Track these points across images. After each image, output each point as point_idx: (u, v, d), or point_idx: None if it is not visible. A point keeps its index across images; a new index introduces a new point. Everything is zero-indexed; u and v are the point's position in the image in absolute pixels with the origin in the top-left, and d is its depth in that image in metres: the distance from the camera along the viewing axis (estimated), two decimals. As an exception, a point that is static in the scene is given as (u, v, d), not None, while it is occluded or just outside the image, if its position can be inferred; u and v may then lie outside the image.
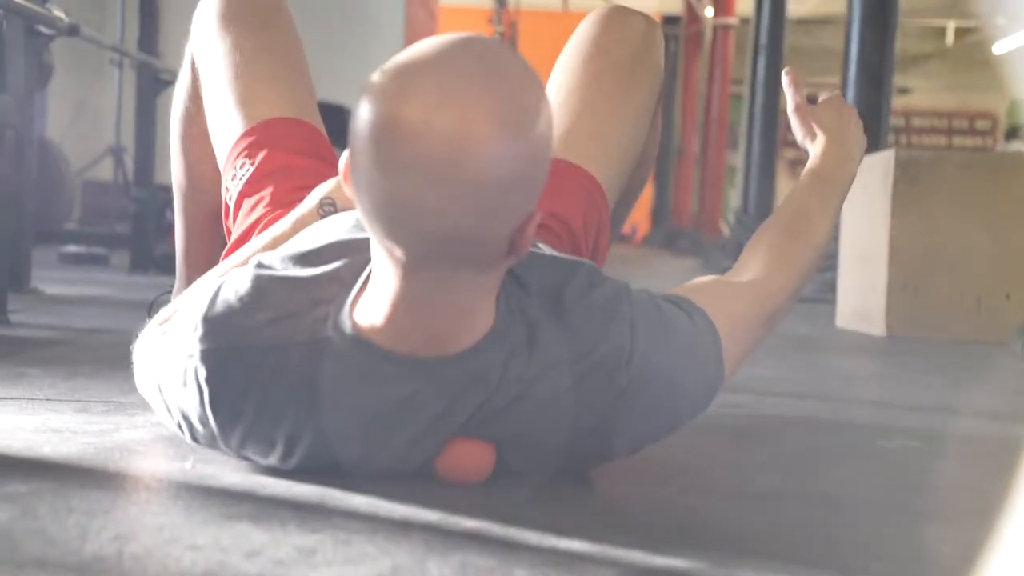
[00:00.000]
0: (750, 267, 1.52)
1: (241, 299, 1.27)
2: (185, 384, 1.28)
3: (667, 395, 1.34)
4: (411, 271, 1.19)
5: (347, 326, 1.25)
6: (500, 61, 1.15)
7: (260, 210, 1.72)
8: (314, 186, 1.61)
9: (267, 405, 1.26)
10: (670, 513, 1.29)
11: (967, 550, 1.19)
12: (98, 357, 2.23)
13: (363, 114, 1.14)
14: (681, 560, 1.08)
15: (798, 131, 1.69)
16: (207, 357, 1.26)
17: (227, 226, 1.82)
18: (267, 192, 1.74)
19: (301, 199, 1.60)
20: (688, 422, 1.38)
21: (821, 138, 1.65)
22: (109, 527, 1.08)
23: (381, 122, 1.12)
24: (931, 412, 2.12)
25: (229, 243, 1.74)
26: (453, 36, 1.17)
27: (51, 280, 3.94)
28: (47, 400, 1.75)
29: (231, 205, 1.79)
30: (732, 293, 1.46)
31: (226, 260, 1.54)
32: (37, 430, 1.51)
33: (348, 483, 1.26)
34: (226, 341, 1.26)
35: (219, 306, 1.28)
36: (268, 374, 1.25)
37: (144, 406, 1.51)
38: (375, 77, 1.15)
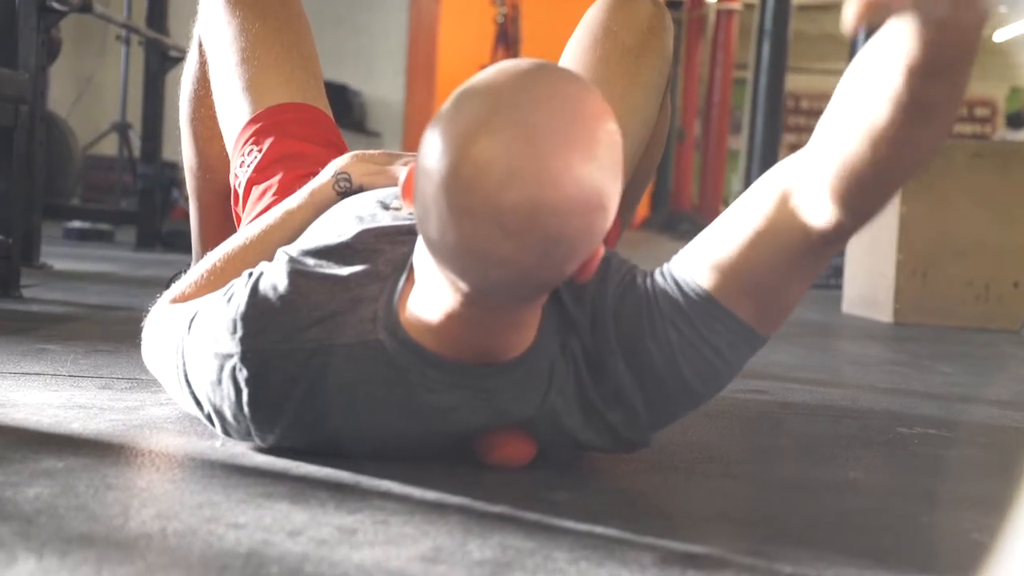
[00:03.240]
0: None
1: (282, 298, 1.24)
2: (220, 382, 1.26)
3: (707, 387, 1.31)
4: (473, 300, 1.17)
5: (399, 328, 1.23)
6: (576, 98, 1.10)
7: (269, 197, 1.72)
8: None
9: (310, 406, 1.25)
10: (704, 499, 1.30)
11: (999, 537, 1.20)
12: (115, 334, 2.23)
13: (434, 152, 1.09)
14: (719, 547, 1.08)
15: None
16: (249, 358, 1.24)
17: (236, 212, 1.81)
18: (276, 179, 1.73)
19: None
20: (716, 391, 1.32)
21: None
22: (150, 505, 1.09)
23: (455, 168, 1.07)
24: (947, 400, 2.13)
25: (239, 230, 1.73)
26: (525, 67, 1.12)
27: (58, 256, 3.94)
28: (71, 376, 1.75)
29: (240, 192, 1.78)
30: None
31: (235, 235, 1.52)
32: (64, 406, 1.51)
33: (381, 464, 1.27)
34: (269, 342, 1.24)
35: (258, 305, 1.25)
36: (312, 375, 1.23)
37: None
38: (447, 110, 1.11)
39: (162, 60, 4.90)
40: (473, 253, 1.10)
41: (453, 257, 1.12)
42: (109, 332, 2.28)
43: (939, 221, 3.74)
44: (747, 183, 8.93)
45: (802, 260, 1.22)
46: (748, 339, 1.27)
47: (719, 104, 12.01)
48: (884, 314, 3.82)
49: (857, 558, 1.08)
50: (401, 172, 1.19)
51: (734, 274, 1.23)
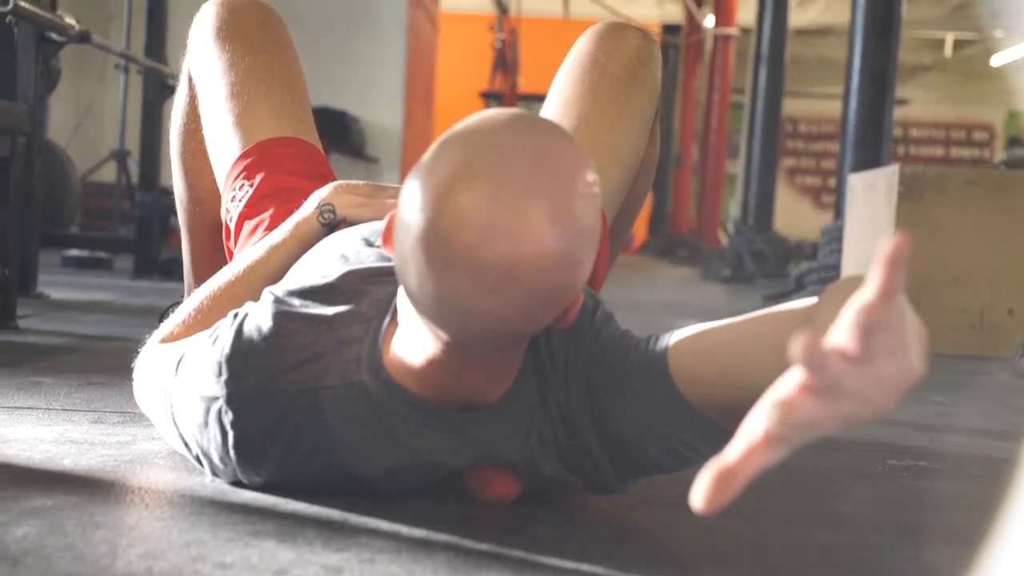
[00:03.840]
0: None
1: (266, 339, 1.25)
2: (207, 425, 1.27)
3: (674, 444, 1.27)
4: (454, 349, 1.17)
5: (382, 370, 1.23)
6: (553, 150, 1.10)
7: (260, 232, 1.72)
8: None
9: (294, 447, 1.25)
10: (690, 534, 1.30)
11: (981, 572, 1.20)
12: (109, 366, 2.23)
13: (413, 205, 1.09)
14: (703, 583, 1.09)
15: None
16: (233, 401, 1.24)
17: (227, 247, 1.82)
18: (267, 214, 1.74)
19: None
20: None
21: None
22: (137, 544, 1.10)
23: (433, 222, 1.07)
24: (939, 431, 2.13)
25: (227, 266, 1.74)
26: (504, 119, 1.12)
27: (56, 284, 3.95)
28: (64, 410, 1.76)
29: (231, 226, 1.79)
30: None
31: (223, 271, 1.53)
32: (56, 441, 1.52)
33: (369, 500, 1.27)
34: (253, 384, 1.24)
35: (243, 347, 1.25)
36: (297, 417, 1.24)
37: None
38: (426, 161, 1.11)
39: (160, 88, 4.92)
40: (452, 305, 1.10)
41: (432, 308, 1.13)
42: (103, 364, 2.29)
43: (933, 249, 3.76)
44: (745, 207, 8.96)
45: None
46: (720, 439, 1.19)
47: (716, 129, 12.05)
48: (879, 341, 3.83)
49: (840, 595, 1.09)
50: (385, 212, 1.19)
51: (716, 391, 1.18)
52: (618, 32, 1.90)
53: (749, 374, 1.10)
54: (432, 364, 1.20)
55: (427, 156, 1.12)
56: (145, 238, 4.96)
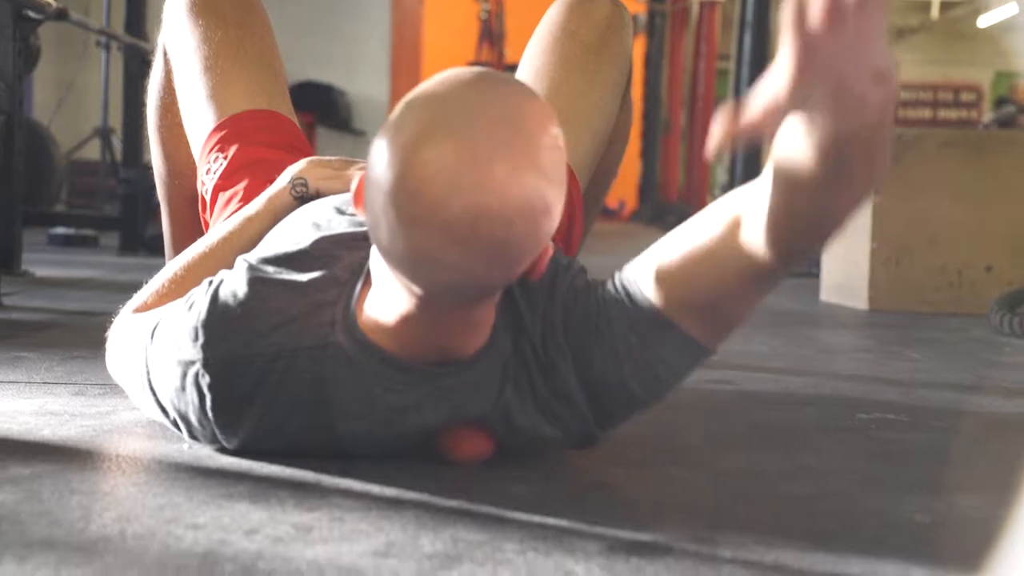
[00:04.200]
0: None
1: (242, 304, 1.28)
2: (184, 389, 1.29)
3: (657, 385, 1.34)
4: (426, 303, 1.20)
5: (357, 330, 1.26)
6: (515, 106, 1.13)
7: (235, 203, 1.74)
8: None
9: (273, 408, 1.28)
10: (658, 489, 1.33)
11: (941, 519, 1.24)
12: (92, 340, 2.24)
13: (381, 162, 1.12)
14: (665, 535, 1.12)
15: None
16: (211, 364, 1.27)
17: (204, 219, 1.84)
18: (241, 186, 1.76)
19: None
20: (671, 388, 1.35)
21: None
22: (111, 508, 1.12)
23: (401, 178, 1.10)
24: (910, 386, 2.16)
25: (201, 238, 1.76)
26: (468, 76, 1.15)
27: (41, 262, 3.97)
28: (44, 383, 1.78)
29: (207, 198, 1.81)
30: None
31: (196, 243, 1.55)
32: (36, 413, 1.54)
33: (343, 462, 1.30)
34: (230, 348, 1.27)
35: (219, 312, 1.28)
36: (275, 379, 1.27)
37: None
38: (393, 121, 1.14)
39: (141, 65, 4.91)
40: (423, 259, 1.13)
41: (404, 263, 1.16)
42: (86, 338, 2.31)
43: (911, 209, 3.78)
44: (732, 173, 8.97)
45: (748, 285, 1.25)
46: (693, 351, 1.30)
47: (704, 95, 12.04)
48: (860, 302, 3.86)
49: (798, 541, 1.12)
50: (354, 179, 1.22)
51: (682, 291, 1.27)
52: (589, 1, 1.92)
53: (717, 265, 1.24)
54: (406, 321, 1.23)
55: (393, 115, 1.15)
56: (130, 215, 4.97)
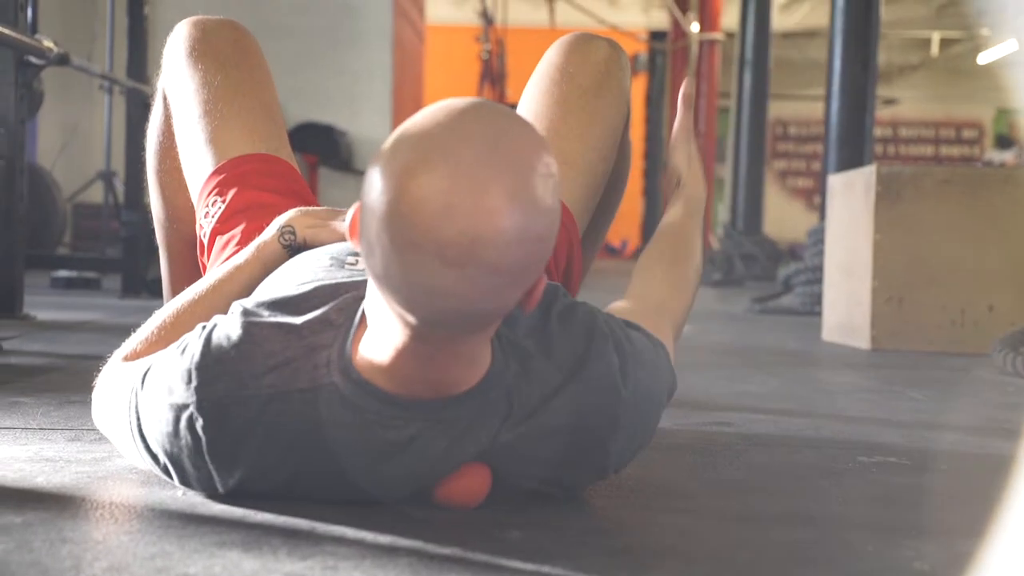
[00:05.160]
0: (650, 294, 1.63)
1: (236, 347, 1.27)
2: (177, 434, 1.29)
3: (649, 405, 1.39)
4: (421, 334, 1.20)
5: (352, 370, 1.26)
6: (509, 134, 1.14)
7: (232, 247, 1.75)
8: None
9: (269, 450, 1.28)
10: (656, 535, 1.32)
11: (942, 567, 1.22)
12: (90, 384, 2.23)
13: (375, 189, 1.13)
14: (661, 581, 1.11)
15: (677, 152, 1.84)
16: (205, 407, 1.26)
17: (202, 262, 1.84)
18: (239, 229, 1.77)
19: None
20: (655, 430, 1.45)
21: (689, 163, 1.83)
22: (102, 557, 1.11)
23: (395, 204, 1.11)
24: (912, 427, 2.15)
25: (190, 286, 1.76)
26: (460, 105, 1.15)
27: (43, 305, 3.97)
28: (40, 429, 1.77)
29: (205, 242, 1.82)
30: (653, 319, 1.54)
31: (186, 291, 1.55)
32: (31, 460, 1.54)
33: (337, 509, 1.29)
34: (224, 389, 1.26)
35: (212, 354, 1.27)
36: (270, 420, 1.26)
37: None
38: (387, 148, 1.15)
39: (143, 108, 4.93)
40: (417, 285, 1.13)
41: (399, 290, 1.15)
42: (83, 382, 2.28)
43: (912, 248, 3.78)
44: (734, 211, 8.99)
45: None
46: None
47: (704, 133, 12.08)
48: (862, 341, 3.85)
49: (795, 590, 1.10)
50: (348, 212, 1.23)
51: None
52: (586, 43, 1.93)
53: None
54: (401, 355, 1.23)
55: (387, 144, 1.16)
56: (132, 257, 4.98)
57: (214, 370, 1.27)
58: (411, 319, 1.18)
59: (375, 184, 1.13)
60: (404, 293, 1.15)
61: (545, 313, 1.35)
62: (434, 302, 1.14)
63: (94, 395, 1.46)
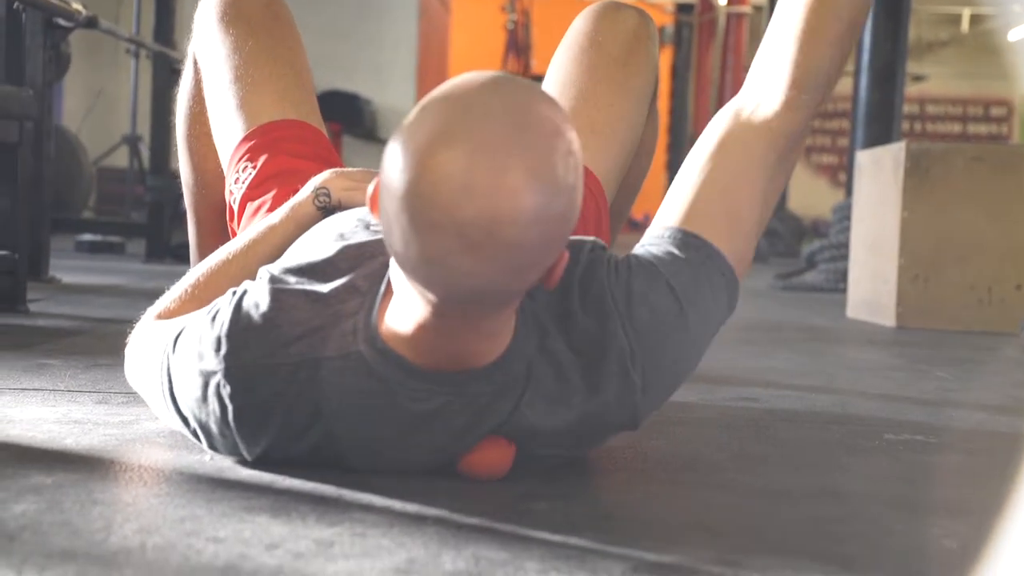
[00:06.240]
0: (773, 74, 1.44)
1: (264, 316, 1.27)
2: (205, 399, 1.29)
3: (673, 377, 1.38)
4: (442, 310, 1.19)
5: (378, 340, 1.26)
6: (531, 110, 1.12)
7: (263, 213, 1.75)
8: None
9: (295, 417, 1.28)
10: (683, 508, 1.32)
11: (970, 544, 1.22)
12: (116, 347, 2.23)
13: (395, 167, 1.11)
14: (690, 556, 1.10)
15: None
16: (232, 374, 1.27)
17: (232, 228, 1.84)
18: (269, 195, 1.77)
19: None
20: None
21: None
22: (132, 519, 1.12)
23: (414, 183, 1.09)
24: (938, 405, 2.14)
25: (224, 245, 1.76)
26: (482, 80, 1.14)
27: (68, 269, 3.99)
28: (68, 391, 1.78)
29: (235, 208, 1.82)
30: (750, 153, 1.42)
31: (220, 249, 1.55)
32: (59, 421, 1.54)
33: (364, 477, 1.29)
34: (252, 358, 1.26)
35: (242, 322, 1.28)
36: (297, 388, 1.26)
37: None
38: (407, 125, 1.13)
39: (170, 73, 4.95)
40: (436, 265, 1.12)
41: (418, 269, 1.14)
42: (111, 346, 2.31)
43: (939, 225, 3.75)
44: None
45: (762, 165, 1.38)
46: (725, 277, 1.38)
47: (730, 108, 12.02)
48: (887, 319, 3.83)
49: (823, 564, 1.10)
50: (372, 183, 1.22)
51: (703, 200, 1.39)
52: (615, 11, 1.92)
53: (725, 158, 1.41)
54: (424, 328, 1.22)
55: (408, 119, 1.14)
56: (157, 222, 5.00)
57: (243, 338, 1.27)
58: (431, 296, 1.17)
59: (395, 161, 1.12)
60: (423, 272, 1.14)
61: (567, 285, 1.33)
62: (453, 281, 1.13)
63: (127, 351, 1.47)
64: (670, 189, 1.44)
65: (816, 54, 1.43)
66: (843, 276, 4.94)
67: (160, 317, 1.45)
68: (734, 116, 1.45)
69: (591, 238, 1.40)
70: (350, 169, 1.65)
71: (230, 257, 1.51)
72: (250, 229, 1.58)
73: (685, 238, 1.38)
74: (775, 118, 1.43)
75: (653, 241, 1.40)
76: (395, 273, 1.22)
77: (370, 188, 1.21)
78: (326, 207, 1.58)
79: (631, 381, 1.32)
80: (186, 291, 1.47)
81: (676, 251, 1.37)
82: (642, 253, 1.39)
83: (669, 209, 1.42)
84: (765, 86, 1.44)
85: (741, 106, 1.45)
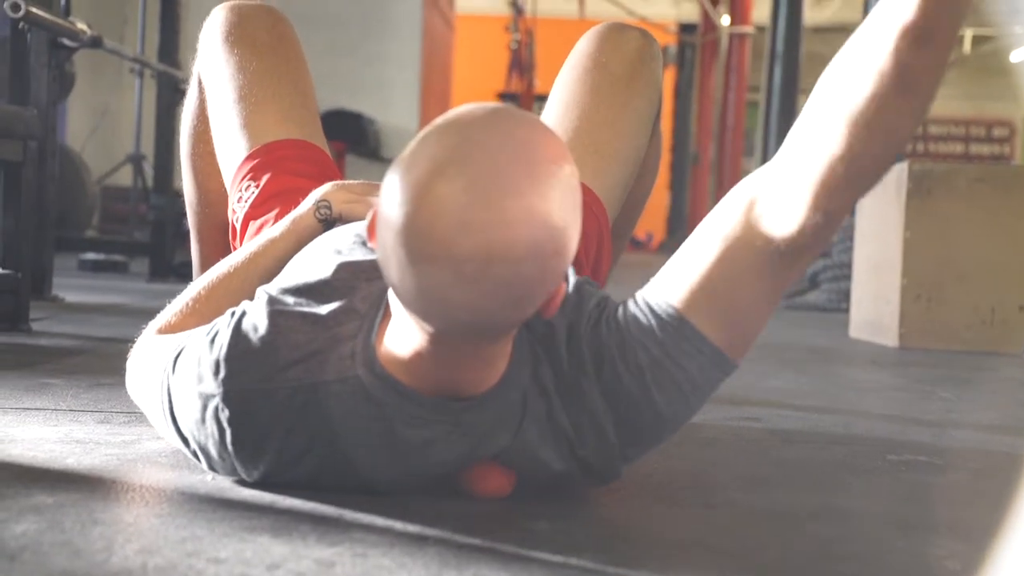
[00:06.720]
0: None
1: (262, 339, 1.27)
2: (204, 422, 1.29)
3: (656, 430, 1.33)
4: (438, 340, 1.19)
5: (376, 364, 1.25)
6: (529, 144, 1.12)
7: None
8: None
9: (293, 442, 1.28)
10: (684, 528, 1.31)
11: (972, 565, 1.21)
12: (119, 367, 2.23)
13: (392, 200, 1.11)
14: None
15: None
16: (231, 399, 1.27)
17: (234, 247, 1.84)
18: (272, 214, 1.77)
19: None
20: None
21: None
22: (134, 540, 1.12)
23: (411, 217, 1.09)
24: (940, 426, 2.14)
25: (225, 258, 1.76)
26: (481, 113, 1.14)
27: (71, 287, 3.99)
28: (70, 411, 1.78)
29: (238, 227, 1.82)
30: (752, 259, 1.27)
31: (221, 263, 1.55)
32: (61, 441, 1.54)
33: (365, 497, 1.29)
34: (250, 383, 1.26)
35: (240, 345, 1.27)
36: (295, 413, 1.26)
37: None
38: (405, 156, 1.13)
39: (174, 92, 4.97)
40: (432, 298, 1.12)
41: (414, 301, 1.15)
42: (113, 365, 2.30)
43: (942, 246, 3.75)
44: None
45: (769, 271, 1.25)
46: (717, 362, 1.29)
47: (733, 127, 12.04)
48: (890, 339, 3.83)
49: (826, 587, 1.10)
50: (369, 212, 1.21)
51: (703, 289, 1.26)
52: (619, 32, 1.92)
53: (734, 253, 1.24)
54: (420, 356, 1.22)
55: (407, 151, 1.14)
56: (160, 241, 5.00)
57: (241, 362, 1.27)
58: (427, 327, 1.18)
59: (392, 194, 1.11)
60: (420, 304, 1.14)
61: (577, 310, 1.31)
62: (450, 315, 1.13)
63: (128, 365, 1.47)
64: (676, 258, 1.32)
65: (844, 197, 1.20)
66: (846, 296, 4.94)
67: (162, 331, 1.46)
68: (748, 209, 1.26)
69: (584, 277, 1.38)
70: (351, 182, 1.65)
71: (231, 270, 1.51)
72: (251, 242, 1.58)
73: (681, 327, 1.27)
74: (785, 240, 1.23)
75: (651, 310, 1.30)
76: (394, 300, 1.22)
77: (368, 216, 1.21)
78: (327, 219, 1.59)
79: (606, 435, 1.31)
80: (187, 305, 1.48)
81: (667, 335, 1.28)
82: (635, 317, 1.30)
83: (673, 285, 1.29)
84: (785, 196, 1.22)
85: (757, 196, 1.26)
